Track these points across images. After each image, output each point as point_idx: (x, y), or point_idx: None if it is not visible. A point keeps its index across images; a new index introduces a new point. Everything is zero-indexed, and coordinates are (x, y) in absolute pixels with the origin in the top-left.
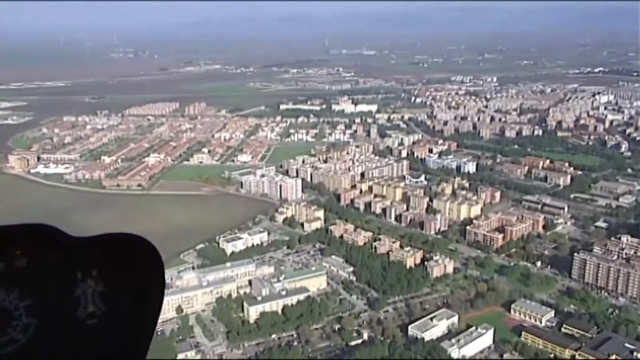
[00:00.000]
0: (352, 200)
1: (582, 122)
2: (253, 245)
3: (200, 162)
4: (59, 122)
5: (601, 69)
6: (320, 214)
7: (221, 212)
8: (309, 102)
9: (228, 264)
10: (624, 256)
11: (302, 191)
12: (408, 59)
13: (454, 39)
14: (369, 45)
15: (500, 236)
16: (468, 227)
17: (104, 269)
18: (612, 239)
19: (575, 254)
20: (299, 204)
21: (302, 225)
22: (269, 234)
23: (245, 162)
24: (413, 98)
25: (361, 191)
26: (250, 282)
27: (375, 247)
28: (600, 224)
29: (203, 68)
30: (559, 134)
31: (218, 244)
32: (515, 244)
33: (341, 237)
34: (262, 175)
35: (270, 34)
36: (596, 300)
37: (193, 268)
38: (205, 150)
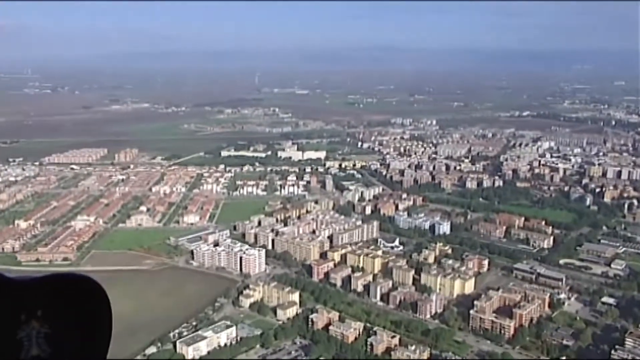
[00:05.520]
0: (326, 275)
1: (536, 171)
2: (219, 346)
3: (139, 224)
4: None
5: (529, 112)
6: (295, 296)
7: (172, 295)
8: (251, 148)
9: None
10: None
11: (266, 263)
12: (342, 98)
13: (381, 77)
14: (299, 83)
15: (511, 323)
16: (472, 312)
17: (49, 310)
18: None
19: (613, 352)
20: (267, 284)
21: (275, 311)
22: (236, 327)
23: (192, 224)
24: (359, 143)
25: (335, 264)
26: None
27: (372, 345)
28: (608, 299)
29: (130, 107)
30: (518, 184)
31: (174, 345)
32: (529, 332)
33: (326, 328)
34: (217, 244)
35: (196, 69)
36: None
37: None
38: (143, 208)
